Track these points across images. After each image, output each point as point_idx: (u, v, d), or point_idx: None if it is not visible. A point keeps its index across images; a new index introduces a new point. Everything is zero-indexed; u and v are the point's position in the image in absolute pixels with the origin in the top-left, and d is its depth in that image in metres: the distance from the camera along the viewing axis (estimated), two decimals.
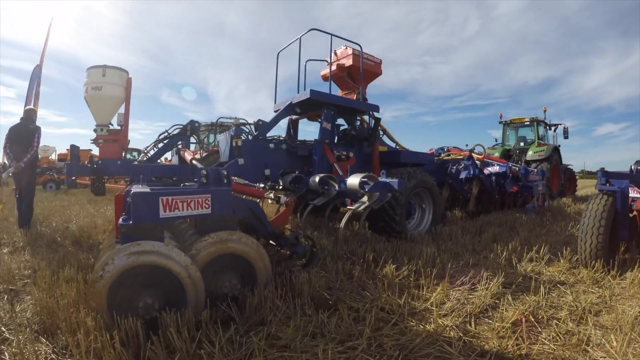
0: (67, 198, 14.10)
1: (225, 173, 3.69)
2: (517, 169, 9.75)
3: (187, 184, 4.73)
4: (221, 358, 2.52)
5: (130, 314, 2.66)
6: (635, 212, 4.96)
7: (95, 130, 6.46)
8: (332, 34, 6.88)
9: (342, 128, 7.91)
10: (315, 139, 6.60)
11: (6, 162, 7.30)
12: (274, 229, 4.31)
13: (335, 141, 7.77)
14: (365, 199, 4.78)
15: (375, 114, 7.60)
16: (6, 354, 2.59)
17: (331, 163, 6.33)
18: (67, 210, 10.01)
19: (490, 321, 3.19)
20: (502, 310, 3.36)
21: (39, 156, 25.77)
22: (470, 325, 3.10)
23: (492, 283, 3.89)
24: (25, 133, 7.26)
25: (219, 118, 6.83)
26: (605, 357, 2.66)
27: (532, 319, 3.20)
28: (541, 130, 16.14)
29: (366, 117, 8.07)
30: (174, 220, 3.19)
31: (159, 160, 7.37)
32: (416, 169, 6.60)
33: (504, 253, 4.99)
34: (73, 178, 6.32)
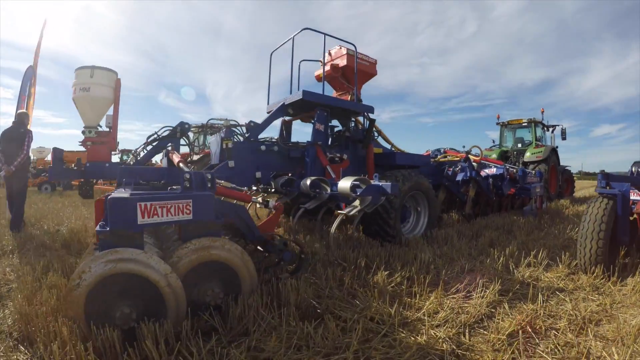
0: (62, 200, 13.95)
1: (209, 177, 3.55)
2: (514, 170, 9.60)
3: (175, 187, 4.58)
4: None
5: (107, 323, 2.57)
6: (635, 215, 4.82)
7: (83, 132, 6.34)
8: (325, 34, 6.74)
9: (336, 129, 7.78)
10: (307, 141, 6.44)
11: None
12: (262, 234, 4.16)
13: (329, 143, 7.63)
14: (357, 202, 4.62)
15: (370, 115, 7.44)
16: None
17: (324, 165, 6.17)
18: (60, 212, 9.85)
19: (485, 332, 3.03)
20: (498, 320, 3.21)
21: (34, 158, 25.55)
22: (464, 336, 2.94)
23: (488, 290, 3.73)
24: (17, 137, 7.15)
25: (210, 119, 6.68)
26: None
27: (530, 330, 3.04)
28: (539, 131, 16.01)
29: (361, 119, 7.92)
30: (153, 226, 3.10)
31: (154, 163, 7.26)
32: (411, 171, 6.46)
33: (501, 258, 4.83)
34: (71, 181, 6.15)
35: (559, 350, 2.76)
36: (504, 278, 4.25)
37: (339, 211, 4.75)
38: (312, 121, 6.63)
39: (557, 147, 16.14)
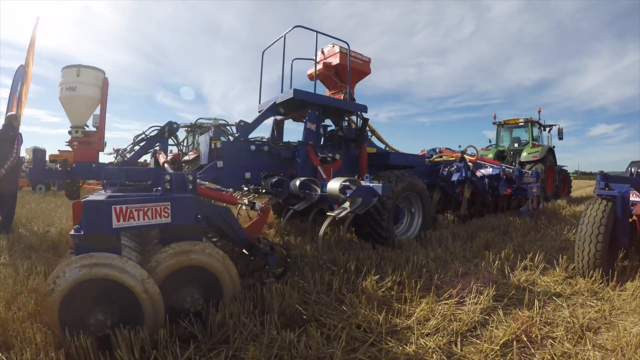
0: (55, 200, 13.74)
1: (191, 178, 3.42)
2: (510, 170, 9.45)
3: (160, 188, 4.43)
4: None
5: (82, 330, 2.51)
6: (634, 217, 4.67)
7: (70, 132, 6.20)
8: (317, 31, 6.58)
9: (329, 129, 7.62)
10: (298, 140, 6.28)
11: None
12: (247, 237, 4.01)
13: (322, 142, 7.47)
14: (347, 204, 4.46)
15: (364, 114, 7.28)
16: None
17: (315, 166, 6.01)
18: (52, 213, 9.67)
19: (478, 341, 2.87)
20: (492, 328, 3.05)
21: (28, 157, 25.45)
22: (455, 346, 2.79)
23: (482, 296, 3.57)
24: (7, 140, 7.01)
25: (198, 119, 6.50)
26: None
27: (525, 339, 2.88)
28: (535, 131, 15.90)
29: (355, 118, 7.76)
30: (129, 230, 3.02)
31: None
32: (405, 172, 6.30)
33: (497, 262, 4.67)
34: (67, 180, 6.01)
35: None
36: (499, 282, 4.09)
37: (328, 213, 4.59)
38: (304, 120, 6.47)
39: (554, 146, 16.02)
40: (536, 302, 3.48)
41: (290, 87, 6.51)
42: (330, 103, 6.68)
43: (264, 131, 7.25)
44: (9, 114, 7.68)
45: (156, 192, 3.48)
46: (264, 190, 6.36)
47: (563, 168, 16.76)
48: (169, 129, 6.56)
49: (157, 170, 5.28)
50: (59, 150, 23.46)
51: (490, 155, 14.97)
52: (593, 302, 3.68)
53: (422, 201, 6.46)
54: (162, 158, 6.00)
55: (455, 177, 8.20)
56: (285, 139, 7.19)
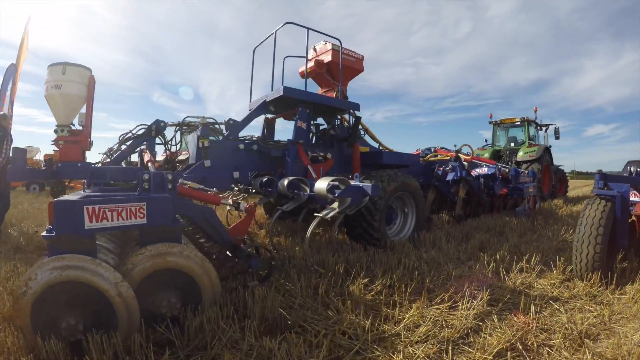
0: (48, 200, 13.54)
1: (170, 178, 3.30)
2: (506, 170, 9.29)
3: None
4: None
5: (54, 334, 2.44)
6: (633, 218, 4.51)
7: (55, 131, 6.05)
8: (309, 28, 6.40)
9: (321, 128, 7.46)
10: (288, 139, 6.11)
11: None
12: (231, 238, 3.84)
13: (313, 141, 7.32)
14: (335, 204, 4.29)
15: (356, 113, 7.11)
16: None
17: (305, 165, 5.83)
18: (44, 213, 9.51)
19: (470, 350, 2.70)
20: (486, 335, 2.88)
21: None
22: (446, 355, 2.61)
23: (475, 301, 3.40)
24: None
25: (186, 117, 6.32)
26: None
27: (520, 347, 2.71)
28: (532, 130, 15.75)
29: (348, 117, 7.59)
30: (103, 231, 2.90)
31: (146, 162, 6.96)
32: (397, 171, 6.13)
33: (492, 264, 4.50)
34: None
35: None
36: (494, 286, 3.92)
37: (315, 214, 4.42)
38: (295, 119, 6.30)
39: (550, 146, 15.89)
40: (532, 307, 3.31)
41: (282, 85, 6.35)
42: (321, 101, 6.51)
43: (258, 131, 7.10)
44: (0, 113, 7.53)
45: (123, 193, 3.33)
46: (254, 190, 6.21)
47: (560, 168, 16.63)
48: (156, 128, 6.38)
49: (142, 170, 5.12)
50: (54, 150, 23.29)
51: (487, 155, 14.82)
52: (592, 307, 3.52)
53: (416, 201, 6.30)
54: (146, 157, 5.83)
55: (450, 177, 8.03)
56: (278, 139, 7.03)
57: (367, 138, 8.09)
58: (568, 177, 18.63)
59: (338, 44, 7.02)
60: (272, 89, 6.59)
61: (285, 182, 5.05)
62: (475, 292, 3.65)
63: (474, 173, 8.52)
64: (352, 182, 4.40)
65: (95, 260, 2.58)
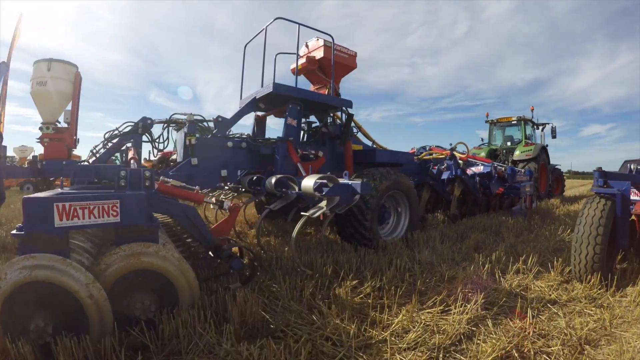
0: None
1: (147, 175, 3.18)
2: (503, 169, 9.12)
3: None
4: None
5: (23, 337, 2.34)
6: (633, 217, 4.33)
7: (40, 129, 5.89)
8: (300, 24, 6.23)
9: (313, 125, 7.29)
10: (278, 137, 5.93)
11: None
12: (214, 238, 3.67)
13: (305, 139, 7.15)
14: (323, 203, 4.10)
15: (349, 110, 6.93)
16: None
17: (295, 163, 5.65)
18: None
19: (463, 358, 2.51)
20: (479, 341, 2.70)
21: (17, 157, 25.07)
22: None
23: (469, 304, 3.22)
24: None
25: (173, 114, 6.14)
26: None
27: (516, 355, 2.53)
28: (528, 129, 15.63)
29: (341, 114, 7.42)
30: (74, 229, 2.73)
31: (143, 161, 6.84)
32: (390, 169, 5.94)
33: (487, 265, 4.31)
34: (52, 179, 5.74)
35: None
36: (489, 288, 3.74)
37: (302, 213, 4.24)
38: (285, 116, 6.13)
39: (547, 145, 15.77)
40: (529, 310, 3.13)
41: (272, 82, 6.17)
42: (312, 97, 6.33)
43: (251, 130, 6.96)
44: None
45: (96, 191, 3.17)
46: (243, 189, 6.04)
47: (556, 167, 16.51)
48: (143, 125, 6.20)
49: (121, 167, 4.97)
50: None
51: (483, 154, 14.69)
52: (591, 310, 3.34)
53: (409, 200, 6.11)
54: (130, 154, 5.67)
55: (445, 176, 7.86)
56: (268, 136, 6.86)
57: (360, 136, 7.92)
58: (565, 177, 18.51)
59: (330, 40, 6.85)
60: (262, 86, 6.42)
61: (273, 180, 4.87)
62: (470, 295, 3.47)
63: (469, 172, 8.35)
64: (341, 180, 4.22)
65: (66, 260, 2.46)
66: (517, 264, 4.42)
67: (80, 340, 2.36)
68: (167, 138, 6.44)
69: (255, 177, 5.60)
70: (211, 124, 6.35)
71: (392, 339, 2.70)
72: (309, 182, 4.19)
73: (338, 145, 6.83)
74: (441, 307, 3.23)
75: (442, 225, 7.30)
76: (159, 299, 2.86)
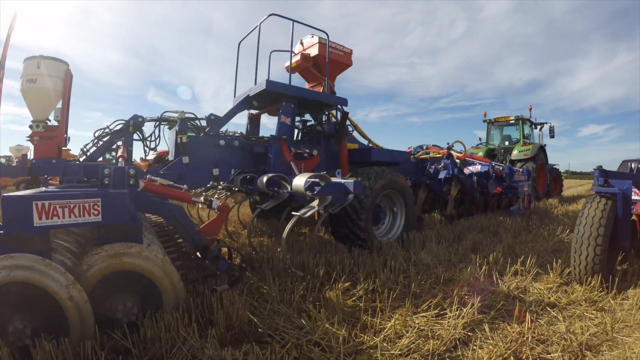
0: None
1: (132, 173, 3.09)
2: (500, 168, 9.00)
3: None
4: None
5: (1, 339, 2.29)
6: (634, 217, 4.21)
7: (30, 127, 5.76)
8: (293, 20, 6.12)
9: (308, 124, 7.17)
10: (271, 135, 5.81)
11: None
12: (203, 238, 3.55)
13: (299, 137, 7.05)
14: (315, 203, 3.98)
15: (344, 108, 6.81)
16: None
17: (287, 161, 5.53)
18: None
19: None
20: (475, 347, 2.58)
21: (13, 157, 24.95)
22: None
23: (465, 308, 3.09)
24: None
25: (164, 112, 6.02)
26: None
27: None
28: (526, 129, 15.52)
29: (336, 113, 7.29)
30: (54, 228, 2.63)
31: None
32: (385, 168, 5.81)
33: (484, 266, 4.18)
34: (47, 177, 5.63)
35: None
36: (487, 290, 3.62)
37: (293, 212, 4.11)
38: (278, 113, 6.01)
39: (545, 145, 15.67)
40: (528, 314, 3.01)
41: (265, 79, 6.06)
42: (305, 95, 6.21)
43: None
44: None
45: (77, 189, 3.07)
46: (236, 189, 5.93)
47: (554, 167, 16.41)
48: (134, 123, 6.07)
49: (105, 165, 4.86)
50: None
51: (481, 154, 14.58)
52: (592, 314, 3.22)
53: (405, 200, 5.99)
54: (119, 152, 5.55)
55: (442, 175, 7.74)
56: (262, 135, 6.74)
57: (356, 135, 7.80)
58: (562, 177, 18.42)
59: (325, 37, 6.73)
60: (255, 84, 6.30)
61: (265, 179, 4.75)
62: (466, 297, 3.35)
63: (466, 171, 8.22)
64: (334, 179, 4.09)
65: (46, 260, 2.39)
66: (515, 265, 4.30)
67: (59, 343, 2.28)
68: (159, 136, 6.32)
69: (247, 176, 5.49)
70: (203, 122, 6.24)
71: (384, 344, 2.57)
72: (300, 181, 4.06)
73: (333, 144, 6.73)
74: (436, 311, 3.10)
75: (439, 226, 7.17)
76: (142, 301, 2.78)
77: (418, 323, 2.91)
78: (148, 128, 6.07)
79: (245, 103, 6.36)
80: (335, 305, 3.09)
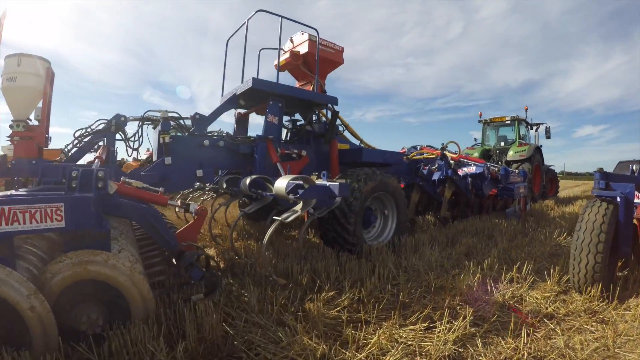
0: None
1: (100, 175, 2.83)
2: (496, 169, 8.80)
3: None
4: None
5: None
6: (635, 221, 4.01)
7: (11, 126, 5.53)
8: (282, 16, 5.92)
9: (298, 123, 6.95)
10: (257, 135, 5.58)
11: None
12: (178, 244, 3.33)
13: (288, 137, 6.83)
14: (298, 206, 3.76)
15: (335, 107, 6.59)
16: None
17: (274, 162, 5.30)
18: None
19: None
20: None
21: (8, 155, 24.93)
22: None
23: (457, 321, 2.87)
24: None
25: (147, 111, 5.80)
26: None
27: None
28: (522, 129, 15.34)
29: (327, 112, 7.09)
30: (13, 235, 2.48)
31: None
32: (376, 170, 5.59)
33: (477, 274, 3.95)
34: (17, 178, 5.43)
35: None
36: (480, 299, 3.40)
37: (275, 217, 3.89)
38: (266, 113, 5.79)
39: (541, 145, 15.51)
40: (524, 328, 2.79)
41: (252, 77, 5.85)
42: (294, 93, 5.98)
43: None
44: None
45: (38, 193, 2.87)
46: (222, 190, 5.71)
47: (550, 167, 16.24)
48: (117, 123, 5.85)
49: (72, 166, 4.66)
50: None
51: (476, 154, 14.40)
52: (592, 326, 3.01)
53: (397, 202, 5.76)
54: (98, 152, 5.32)
55: (435, 176, 7.54)
56: (249, 134, 6.52)
57: (348, 135, 7.59)
58: (558, 178, 18.26)
59: (315, 34, 6.52)
60: (242, 82, 6.08)
61: (248, 180, 4.52)
62: (458, 308, 3.14)
63: (461, 172, 8.02)
64: (319, 182, 3.87)
65: (6, 268, 2.25)
66: (511, 272, 4.08)
67: (20, 355, 2.17)
68: (141, 136, 6.10)
69: (232, 178, 5.28)
70: (188, 122, 6.02)
71: None
72: (281, 184, 3.83)
73: (323, 145, 6.51)
74: (425, 324, 2.88)
75: (433, 229, 6.95)
76: (108, 311, 2.64)
77: (405, 337, 2.69)
78: (127, 127, 5.84)
79: (232, 102, 6.14)
80: (316, 317, 2.86)
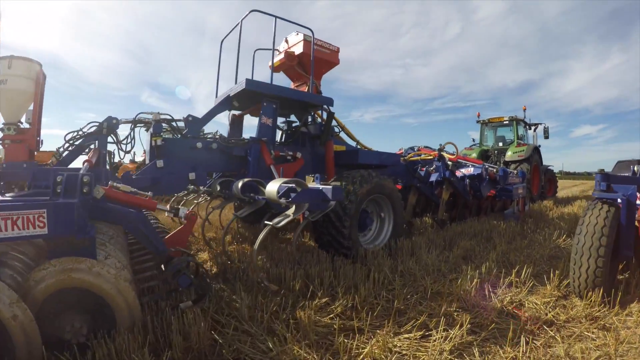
0: None
1: (86, 180, 2.76)
2: (494, 170, 8.70)
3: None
4: None
5: None
6: (636, 224, 3.91)
7: (1, 130, 5.44)
8: (276, 16, 5.83)
9: (294, 125, 6.85)
10: (251, 137, 5.48)
11: None
12: (167, 249, 3.23)
13: (283, 139, 6.72)
14: (290, 210, 3.66)
15: (330, 108, 6.49)
16: None
17: (267, 165, 5.20)
18: None
19: None
20: None
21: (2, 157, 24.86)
22: None
23: (454, 329, 2.77)
24: None
25: (139, 113, 5.71)
26: None
27: None
28: (521, 129, 15.27)
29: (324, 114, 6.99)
30: None
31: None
32: (372, 172, 5.49)
33: (475, 279, 3.84)
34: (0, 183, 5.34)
35: None
36: (478, 305, 3.30)
37: (266, 221, 3.79)
38: (260, 114, 5.70)
39: (539, 146, 15.41)
40: (522, 336, 2.69)
41: (245, 78, 5.75)
42: (288, 95, 5.88)
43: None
44: None
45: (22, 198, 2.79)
46: (216, 193, 5.62)
47: (549, 168, 16.15)
48: (108, 125, 5.76)
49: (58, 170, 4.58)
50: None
51: (474, 155, 14.31)
52: (593, 333, 2.91)
53: (393, 205, 5.66)
54: (89, 155, 5.23)
55: (433, 178, 7.43)
56: (243, 137, 6.43)
57: (344, 136, 7.50)
58: (557, 178, 18.18)
59: (310, 34, 6.43)
60: (236, 83, 5.99)
61: (240, 184, 4.42)
62: (455, 315, 3.04)
63: (459, 173, 7.92)
64: (311, 185, 3.77)
65: None
66: (510, 276, 3.97)
67: None
68: (133, 138, 6.00)
69: (226, 180, 5.19)
70: (181, 124, 5.93)
71: None
72: (273, 187, 3.73)
73: (319, 146, 6.42)
74: (421, 332, 2.78)
75: (430, 231, 6.84)
76: (93, 320, 2.58)
77: (400, 346, 2.59)
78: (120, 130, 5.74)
79: (226, 103, 6.05)
80: (307, 326, 2.76)
